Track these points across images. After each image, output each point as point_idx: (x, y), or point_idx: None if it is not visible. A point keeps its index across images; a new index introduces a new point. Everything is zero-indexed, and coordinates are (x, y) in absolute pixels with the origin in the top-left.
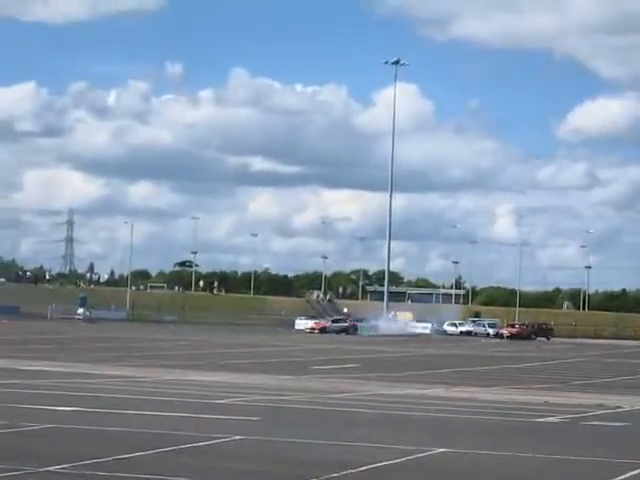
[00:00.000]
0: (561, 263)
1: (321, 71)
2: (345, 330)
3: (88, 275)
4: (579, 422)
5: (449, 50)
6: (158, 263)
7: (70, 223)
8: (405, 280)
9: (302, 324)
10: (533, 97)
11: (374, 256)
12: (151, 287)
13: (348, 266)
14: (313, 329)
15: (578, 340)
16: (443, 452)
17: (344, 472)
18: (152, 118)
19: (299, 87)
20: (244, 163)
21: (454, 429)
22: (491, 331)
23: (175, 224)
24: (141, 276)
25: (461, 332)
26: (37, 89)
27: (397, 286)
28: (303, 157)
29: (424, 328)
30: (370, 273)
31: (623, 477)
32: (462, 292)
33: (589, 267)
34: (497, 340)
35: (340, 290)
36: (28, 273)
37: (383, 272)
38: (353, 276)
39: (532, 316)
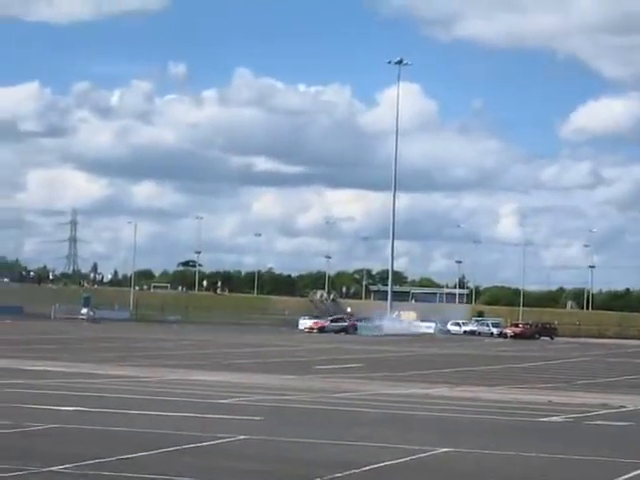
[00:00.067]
0: (565, 263)
1: (325, 71)
2: (344, 330)
3: (92, 275)
4: (583, 421)
5: (452, 50)
6: (162, 263)
7: (73, 223)
8: (409, 280)
9: (306, 324)
10: (537, 97)
11: (378, 256)
12: (155, 287)
13: (352, 266)
14: (312, 329)
15: (582, 340)
16: (447, 452)
17: (347, 472)
18: (155, 118)
19: (302, 87)
20: (248, 163)
21: (458, 429)
22: (495, 331)
23: (179, 224)
24: (145, 276)
25: (465, 332)
26: (40, 89)
27: (401, 286)
28: (307, 157)
29: (428, 328)
30: (374, 273)
31: (627, 477)
32: (466, 292)
33: (593, 267)
34: (501, 340)
35: (344, 290)
36: (32, 273)
37: (387, 272)
38: (357, 276)
39: (536, 316)
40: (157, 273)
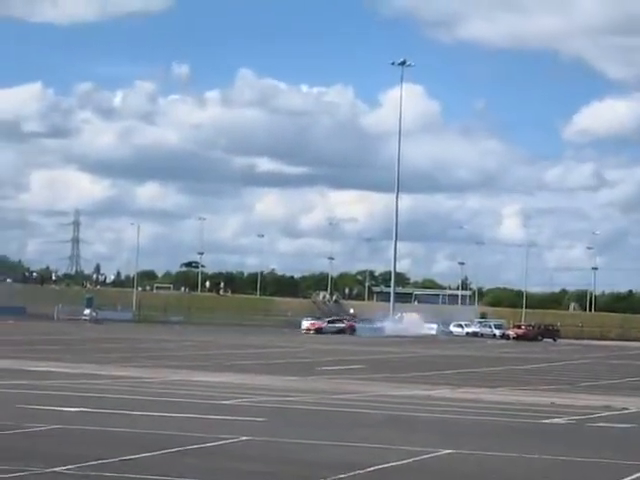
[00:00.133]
0: (568, 264)
1: (327, 72)
2: (342, 331)
3: (94, 276)
4: (585, 423)
5: (455, 51)
6: (164, 264)
7: (76, 224)
8: (411, 281)
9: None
10: (540, 98)
11: (380, 257)
12: (157, 288)
13: (354, 267)
14: (308, 330)
15: (584, 341)
16: (449, 453)
17: (351, 473)
18: (158, 119)
19: (305, 88)
20: (250, 164)
21: (460, 430)
22: (497, 332)
23: (181, 225)
24: (147, 277)
25: (467, 333)
26: (43, 90)
27: (403, 287)
28: (309, 158)
29: (430, 329)
30: (376, 274)
31: (629, 479)
32: (468, 293)
33: (596, 268)
34: (503, 341)
35: (346, 291)
36: (34, 274)
37: (389, 273)
38: (359, 277)
39: (538, 317)
40: (160, 274)
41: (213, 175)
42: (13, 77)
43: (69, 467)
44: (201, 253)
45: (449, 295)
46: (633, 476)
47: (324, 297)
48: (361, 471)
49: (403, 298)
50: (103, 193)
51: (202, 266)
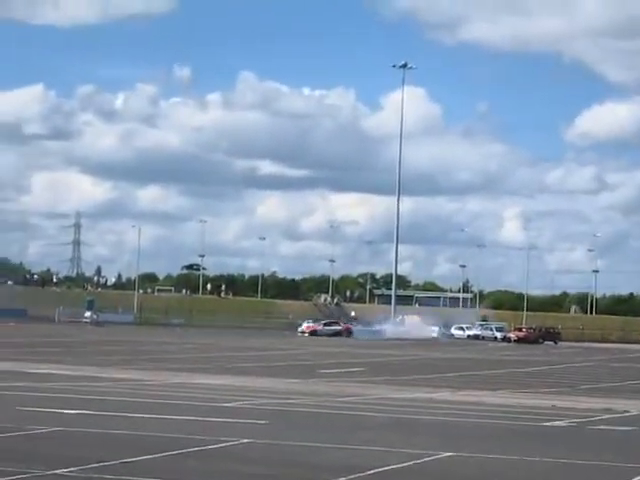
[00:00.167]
0: (569, 267)
1: (329, 75)
2: (338, 333)
3: (95, 278)
4: (586, 426)
5: (457, 54)
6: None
7: (78, 226)
8: (412, 284)
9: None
10: (541, 100)
11: (382, 260)
12: (158, 290)
13: (356, 270)
14: (303, 332)
15: (585, 344)
16: (450, 456)
17: (352, 476)
18: (160, 121)
19: (307, 91)
20: (252, 166)
21: (461, 433)
22: (499, 335)
23: (183, 227)
24: (149, 279)
25: (468, 336)
26: (45, 92)
27: (404, 290)
28: (311, 161)
29: (431, 332)
30: (378, 277)
31: None
32: (470, 296)
33: (597, 271)
34: (504, 344)
35: (348, 294)
36: (35, 276)
37: (390, 276)
38: (361, 280)
39: (539, 320)
40: (161, 276)
41: (214, 178)
42: (15, 79)
43: (70, 469)
44: (202, 256)
45: (450, 298)
46: (634, 479)
47: (325, 300)
48: (362, 474)
49: (404, 301)
50: (104, 195)
51: (203, 269)
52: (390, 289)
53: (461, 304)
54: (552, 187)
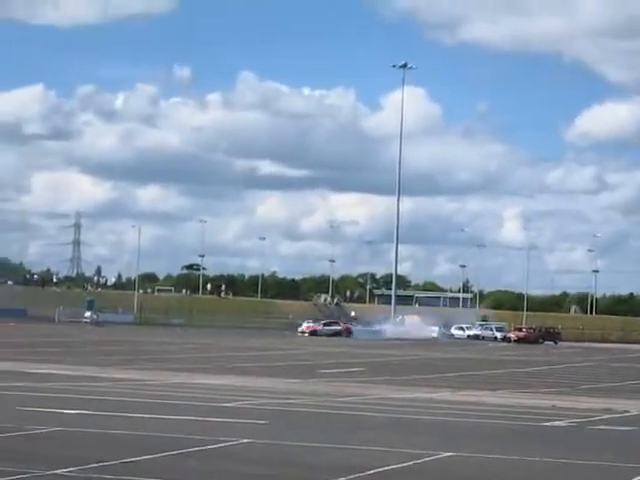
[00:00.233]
0: (569, 267)
1: (329, 75)
2: (338, 333)
3: (95, 278)
4: (586, 426)
5: (457, 53)
6: (166, 266)
7: (78, 226)
8: (412, 284)
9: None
10: (541, 100)
11: (382, 260)
12: (159, 290)
13: (356, 270)
14: (303, 332)
15: (585, 344)
16: (450, 456)
17: (352, 476)
18: (160, 121)
19: (307, 91)
20: (252, 166)
21: (461, 433)
22: (499, 335)
23: (183, 227)
24: (149, 279)
25: (469, 336)
26: (45, 92)
27: (405, 290)
28: (311, 161)
29: (431, 332)
30: (378, 277)
31: None
32: (470, 296)
33: (596, 271)
34: (505, 344)
35: (348, 294)
36: (35, 276)
37: (391, 276)
38: (361, 280)
39: (539, 320)
40: (161, 276)
41: (214, 178)
42: (15, 79)
43: (70, 469)
44: (202, 256)
45: (450, 298)
46: (634, 479)
47: (325, 300)
48: (362, 474)
49: (404, 301)
50: (104, 195)
51: (203, 269)
52: (390, 289)
53: (461, 304)
54: (552, 187)
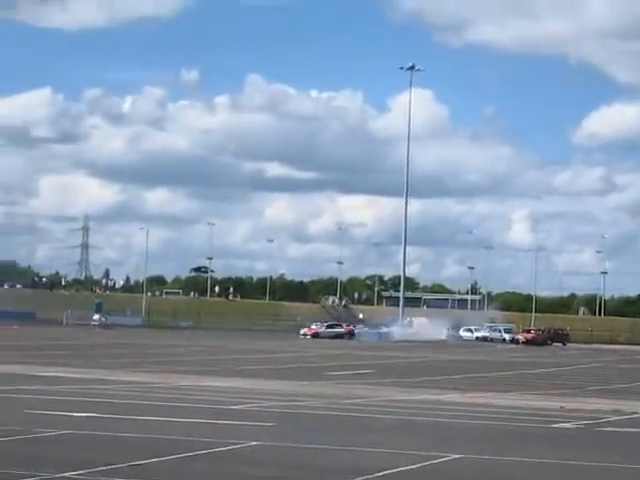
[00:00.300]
0: (577, 268)
1: (337, 77)
2: (340, 336)
3: (104, 281)
4: (595, 428)
5: (465, 56)
6: (174, 269)
7: (86, 229)
8: (421, 286)
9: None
10: (549, 102)
11: (390, 262)
12: (167, 293)
13: (364, 272)
14: (305, 335)
15: (594, 346)
16: (459, 458)
17: (360, 478)
18: (168, 124)
19: (314, 93)
20: (260, 169)
21: (470, 435)
22: (507, 337)
23: (191, 230)
24: (157, 282)
25: (477, 337)
26: (53, 95)
27: (413, 292)
28: (319, 163)
29: (439, 334)
30: (386, 279)
31: None
32: (478, 297)
33: (605, 272)
34: (513, 346)
35: (356, 296)
36: (44, 279)
37: (399, 278)
38: (369, 282)
39: (548, 322)
40: (169, 279)
41: (222, 180)
42: (22, 83)
43: (79, 472)
44: (210, 258)
45: (458, 300)
46: None
47: (333, 302)
48: (370, 476)
49: (412, 303)
50: (112, 198)
51: (211, 271)
52: (398, 291)
53: (469, 306)
54: (560, 189)
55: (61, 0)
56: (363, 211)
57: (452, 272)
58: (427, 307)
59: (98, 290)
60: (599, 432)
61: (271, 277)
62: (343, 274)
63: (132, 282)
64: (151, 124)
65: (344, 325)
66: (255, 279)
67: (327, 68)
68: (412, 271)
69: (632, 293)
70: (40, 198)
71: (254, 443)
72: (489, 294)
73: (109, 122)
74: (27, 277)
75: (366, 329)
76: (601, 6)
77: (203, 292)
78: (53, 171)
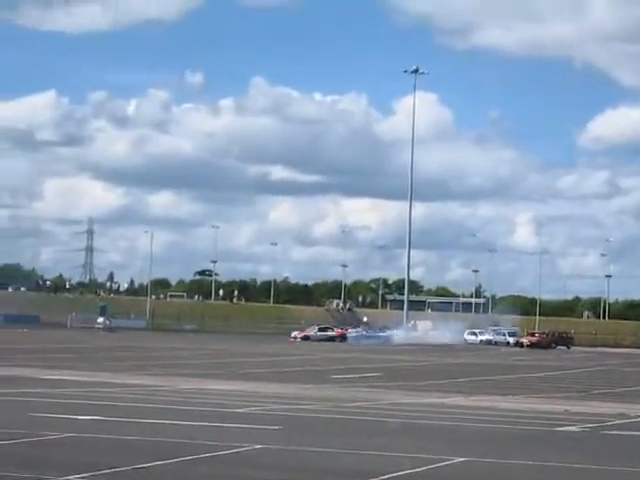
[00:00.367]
0: (581, 272)
1: (341, 80)
2: (332, 339)
3: (108, 284)
4: (599, 431)
5: (469, 59)
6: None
7: (90, 232)
8: (425, 289)
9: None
10: (554, 106)
11: (394, 265)
12: (171, 296)
13: (368, 275)
14: (295, 338)
15: (598, 349)
16: (464, 461)
17: None
18: (172, 127)
19: (319, 96)
20: (264, 172)
21: (474, 438)
22: (511, 340)
23: (195, 233)
24: (161, 285)
25: (481, 341)
26: (57, 98)
27: (417, 295)
28: (323, 166)
29: (443, 337)
30: (390, 282)
31: None
32: (482, 301)
33: (609, 276)
34: (517, 349)
35: (360, 299)
36: (48, 282)
37: (403, 281)
38: (373, 285)
39: (552, 325)
40: (173, 282)
41: (227, 183)
42: (27, 86)
43: (83, 475)
44: (214, 261)
45: (463, 303)
46: None
47: (337, 305)
48: (375, 479)
49: (417, 306)
50: (117, 201)
51: (216, 274)
52: (402, 294)
53: (474, 309)
54: (564, 192)
55: (65, 3)
56: (367, 214)
57: (456, 275)
58: (431, 310)
59: (102, 293)
60: (604, 435)
61: (275, 280)
62: (347, 277)
63: (136, 285)
64: (155, 127)
65: (335, 329)
66: (259, 282)
67: (331, 71)
68: (416, 274)
69: (636, 296)
70: (44, 201)
71: (258, 446)
72: (493, 297)
73: (114, 125)
74: (31, 280)
75: (364, 333)
76: (606, 9)
77: (207, 295)
78: (58, 174)
